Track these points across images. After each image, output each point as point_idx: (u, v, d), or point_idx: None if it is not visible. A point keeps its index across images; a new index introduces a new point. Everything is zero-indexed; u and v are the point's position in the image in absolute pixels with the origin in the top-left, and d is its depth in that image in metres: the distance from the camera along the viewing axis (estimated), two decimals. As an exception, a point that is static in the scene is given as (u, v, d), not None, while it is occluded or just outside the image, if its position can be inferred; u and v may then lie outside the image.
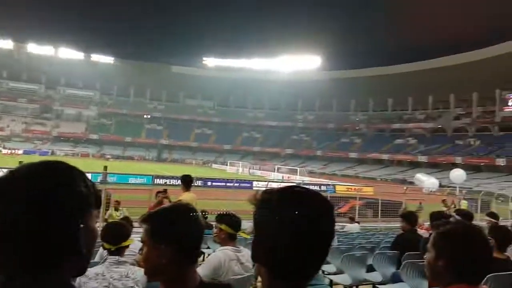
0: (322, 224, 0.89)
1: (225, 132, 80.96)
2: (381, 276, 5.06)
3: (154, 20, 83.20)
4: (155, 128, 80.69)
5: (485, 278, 2.97)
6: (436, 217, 4.56)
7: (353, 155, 66.28)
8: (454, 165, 43.45)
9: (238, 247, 2.92)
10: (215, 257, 2.81)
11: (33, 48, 76.03)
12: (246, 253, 2.89)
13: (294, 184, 0.85)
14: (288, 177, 42.38)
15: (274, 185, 12.91)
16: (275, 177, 45.64)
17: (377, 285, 5.09)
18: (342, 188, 31.72)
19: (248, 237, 6.09)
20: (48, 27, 72.47)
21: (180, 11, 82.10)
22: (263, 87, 76.32)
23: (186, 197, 5.37)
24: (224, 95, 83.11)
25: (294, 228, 0.85)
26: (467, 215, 4.86)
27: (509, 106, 52.64)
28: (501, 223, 6.37)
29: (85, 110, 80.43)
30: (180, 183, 5.70)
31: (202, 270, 2.55)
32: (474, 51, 50.80)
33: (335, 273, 5.59)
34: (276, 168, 53.03)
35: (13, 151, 55.18)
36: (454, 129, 61.54)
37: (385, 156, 62.46)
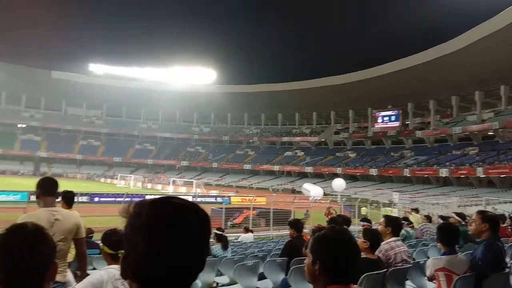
0: (197, 236, 0.86)
1: (115, 144, 76.11)
2: (272, 283, 5.27)
3: (31, 19, 74.65)
4: (31, 139, 71.59)
5: (361, 278, 3.32)
6: (334, 221, 5.01)
7: (247, 166, 68.30)
8: (336, 175, 47.96)
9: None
10: (96, 274, 2.60)
11: None
12: None
13: (168, 195, 0.86)
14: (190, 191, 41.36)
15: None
16: (172, 190, 44.41)
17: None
18: (237, 199, 32.35)
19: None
20: None
21: (63, 11, 75.32)
22: (158, 98, 73.78)
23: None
24: (115, 105, 77.92)
25: (166, 244, 0.82)
26: (346, 220, 5.40)
27: (378, 122, 60.41)
28: (374, 226, 7.21)
29: None
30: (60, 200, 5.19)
31: (80, 287, 2.39)
32: (350, 73, 57.10)
33: (228, 284, 5.64)
34: (171, 181, 51.78)
35: None
36: (334, 143, 68.26)
37: (276, 168, 65.87)
